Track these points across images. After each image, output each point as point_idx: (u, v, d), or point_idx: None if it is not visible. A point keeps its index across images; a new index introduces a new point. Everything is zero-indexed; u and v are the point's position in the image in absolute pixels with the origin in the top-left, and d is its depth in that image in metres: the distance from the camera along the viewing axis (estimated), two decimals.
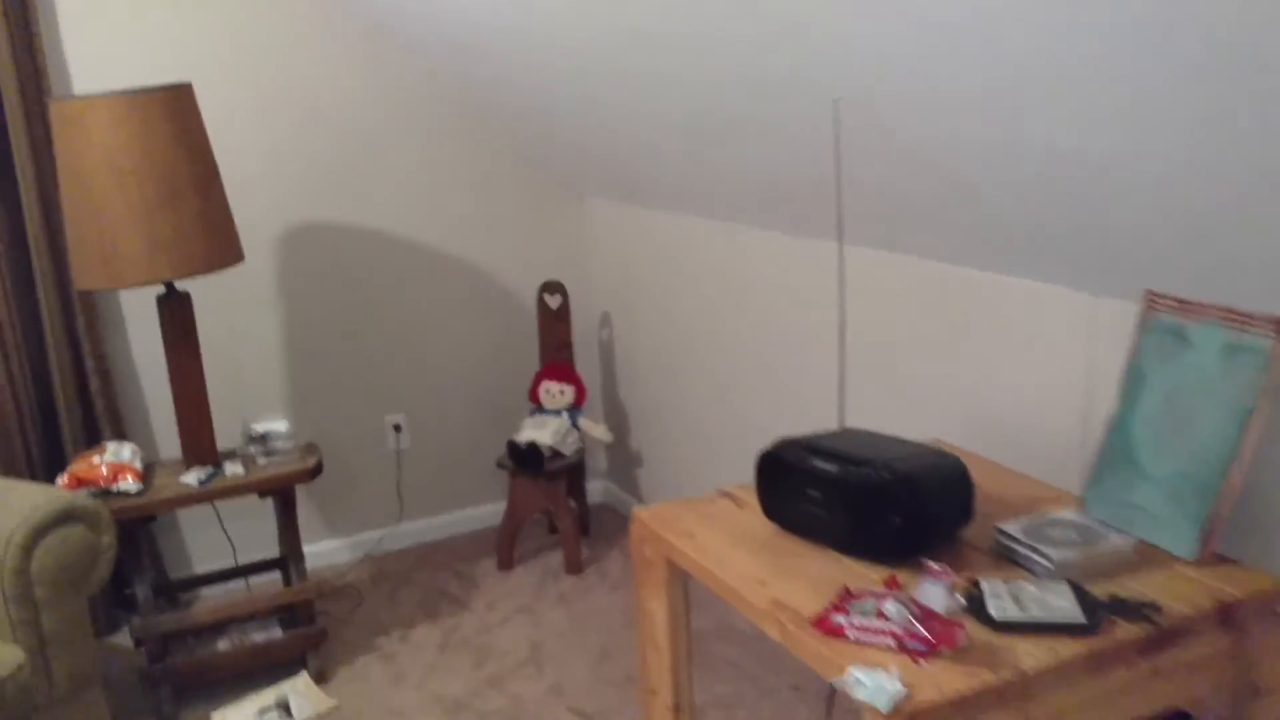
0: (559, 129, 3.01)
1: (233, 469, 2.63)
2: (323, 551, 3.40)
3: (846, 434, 1.75)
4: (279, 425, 2.72)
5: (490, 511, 3.64)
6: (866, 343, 2.31)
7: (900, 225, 2.04)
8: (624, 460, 3.65)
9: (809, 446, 1.67)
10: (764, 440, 2.75)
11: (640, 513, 1.81)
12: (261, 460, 2.68)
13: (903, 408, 2.25)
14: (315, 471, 2.68)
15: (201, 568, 3.23)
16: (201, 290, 2.98)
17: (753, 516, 1.75)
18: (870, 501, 1.55)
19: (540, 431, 3.27)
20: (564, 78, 2.52)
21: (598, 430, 3.38)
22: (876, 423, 2.30)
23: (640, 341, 3.42)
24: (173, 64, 2.94)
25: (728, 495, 1.86)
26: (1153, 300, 1.65)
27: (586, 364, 3.66)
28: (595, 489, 3.77)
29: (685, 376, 3.15)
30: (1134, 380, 1.66)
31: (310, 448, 2.76)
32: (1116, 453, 1.66)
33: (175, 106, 2.40)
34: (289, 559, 2.83)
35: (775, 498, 1.70)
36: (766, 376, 2.73)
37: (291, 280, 3.21)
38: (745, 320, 2.78)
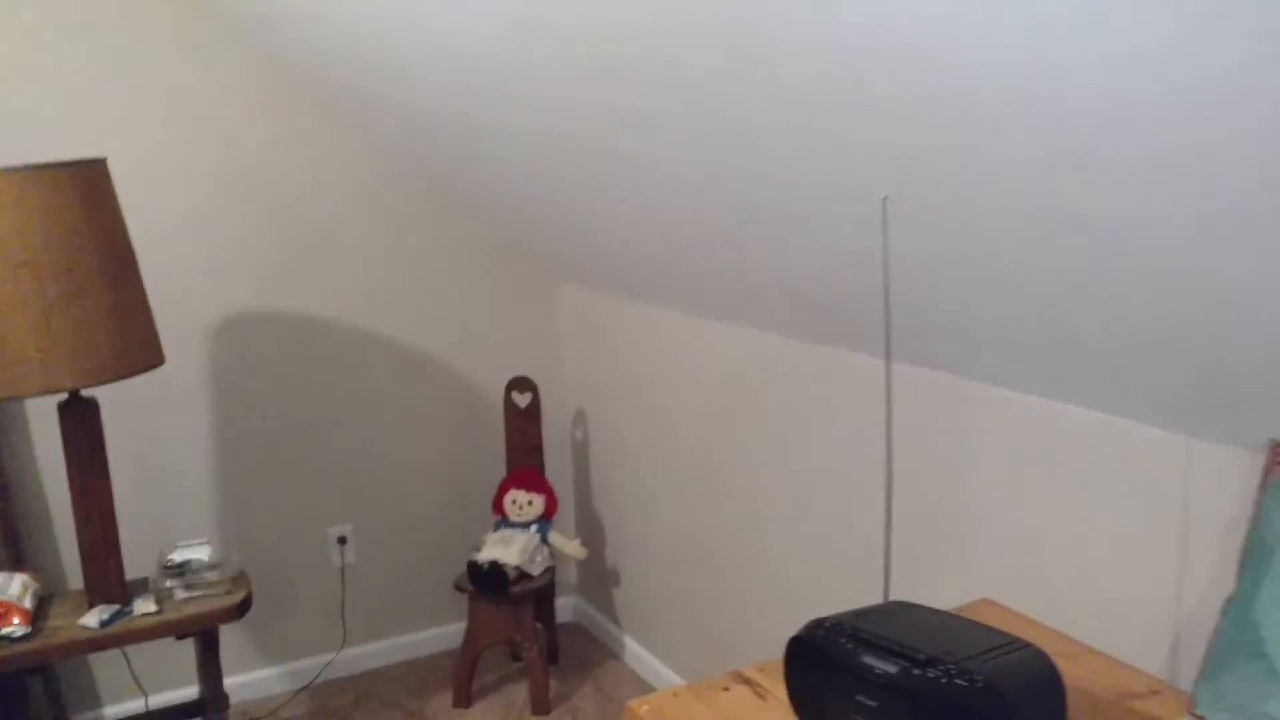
0: (530, 209, 2.68)
1: (144, 606, 2.23)
2: (254, 683, 2.98)
3: (899, 613, 1.40)
4: (200, 553, 2.33)
5: (446, 634, 3.24)
6: (902, 473, 1.98)
7: (951, 342, 1.72)
8: (598, 575, 3.27)
9: (856, 635, 1.32)
10: (768, 568, 2.39)
11: (639, 708, 1.45)
12: (180, 594, 2.28)
13: (943, 553, 1.91)
14: (242, 608, 2.29)
15: (112, 708, 2.80)
16: (115, 393, 2.60)
17: (781, 715, 1.40)
18: (946, 717, 1.21)
19: (505, 549, 2.89)
20: (541, 159, 2.20)
21: (570, 546, 3.01)
22: (910, 568, 1.96)
23: (619, 444, 3.07)
24: (89, 134, 2.58)
25: (746, 681, 1.50)
26: None
27: (558, 465, 3.31)
28: (564, 606, 3.39)
29: (671, 487, 2.80)
30: (1258, 555, 1.33)
31: (239, 579, 2.36)
32: (1239, 646, 1.33)
33: (86, 186, 2.05)
34: (209, 705, 2.42)
35: (813, 700, 1.35)
36: (770, 498, 2.39)
37: (224, 377, 2.84)
38: (748, 434, 2.45)
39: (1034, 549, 1.71)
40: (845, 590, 2.15)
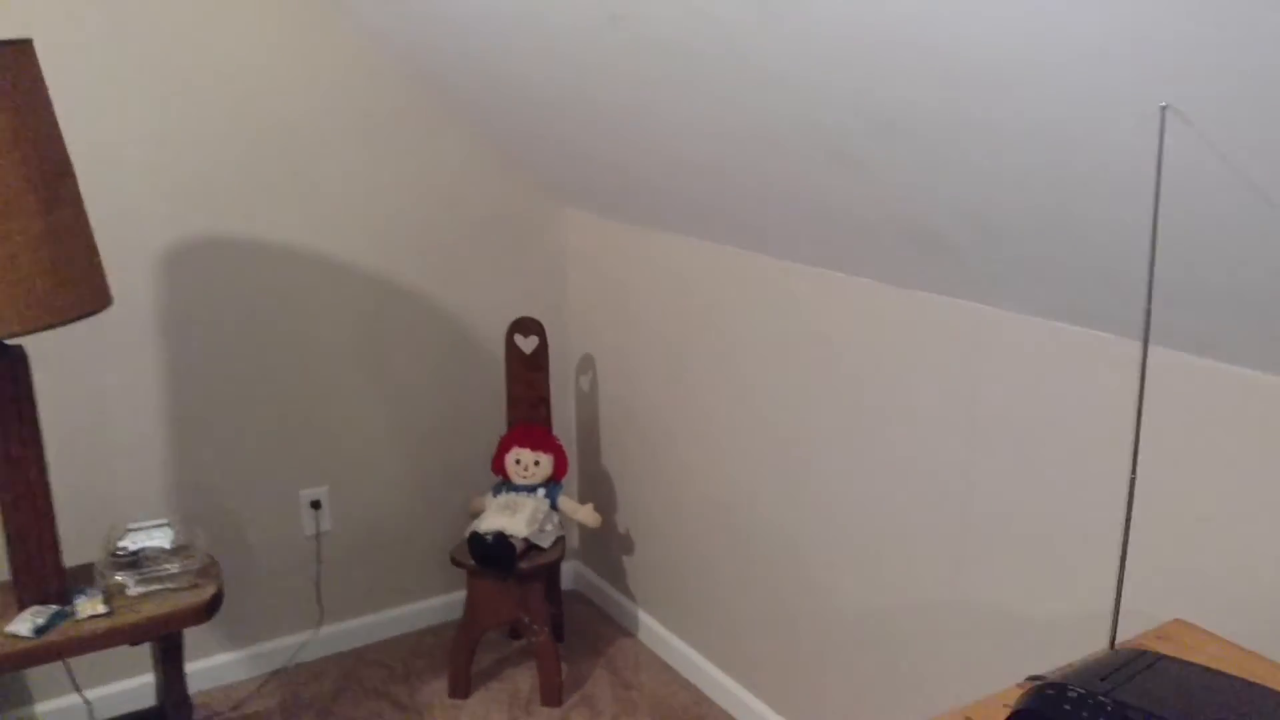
0: (540, 118, 2.24)
1: (89, 606, 1.80)
2: (217, 668, 2.57)
3: (1156, 674, 1.05)
4: (159, 537, 1.90)
5: (437, 608, 2.86)
6: (1069, 457, 1.63)
7: (1186, 310, 1.35)
8: (605, 541, 2.90)
9: (1122, 715, 0.96)
10: (817, 542, 2.01)
11: None
12: (134, 589, 1.86)
13: (1101, 556, 1.57)
14: (212, 607, 1.87)
15: (46, 705, 2.37)
16: (47, 341, 2.13)
17: None
18: None
19: (511, 518, 2.50)
20: (566, 67, 1.76)
21: (583, 512, 2.63)
22: (1063, 575, 1.62)
23: (633, 394, 2.68)
24: (12, 15, 2.07)
25: None
26: None
27: (561, 418, 2.91)
28: (564, 572, 3.02)
29: (697, 445, 2.42)
30: None
31: (207, 569, 1.94)
32: None
33: (7, 74, 1.56)
34: (169, 715, 2.01)
35: None
36: (825, 465, 2.03)
37: (179, 318, 2.37)
38: (802, 389, 2.07)
39: (1236, 555, 1.37)
40: (918, 575, 1.81)
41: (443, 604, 2.86)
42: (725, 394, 2.31)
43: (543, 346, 2.65)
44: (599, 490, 2.90)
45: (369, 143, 2.51)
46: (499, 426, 2.73)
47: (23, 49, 1.61)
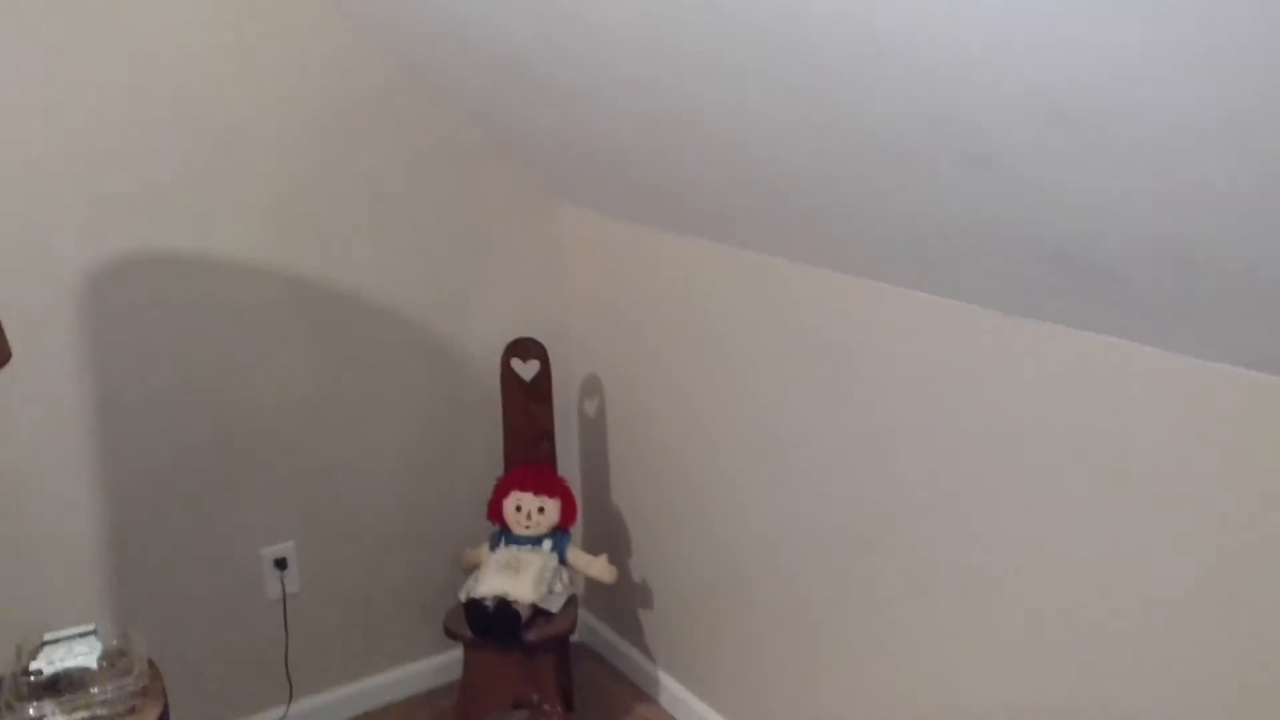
0: (537, 99, 1.84)
1: None
2: None
3: None
4: (84, 651, 1.50)
5: (427, 672, 2.48)
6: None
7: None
8: (618, 592, 2.53)
9: None
10: (870, 599, 1.64)
11: None
12: None
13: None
14: None
15: None
16: None
17: None
18: None
19: (514, 579, 2.12)
20: (573, 40, 1.37)
21: (596, 566, 2.25)
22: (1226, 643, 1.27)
23: (648, 423, 2.30)
24: None
25: None
26: None
27: (564, 450, 2.52)
28: None
29: (726, 483, 2.05)
30: None
31: (148, 687, 1.54)
32: None
33: None
34: None
35: None
36: (880, 508, 1.66)
37: (103, 353, 1.95)
38: (857, 421, 1.70)
39: None
40: (988, 647, 1.46)
41: (434, 667, 2.48)
42: (755, 426, 1.94)
43: (545, 373, 2.26)
44: (608, 533, 2.52)
45: (334, 133, 2.09)
46: (495, 466, 2.34)
47: None
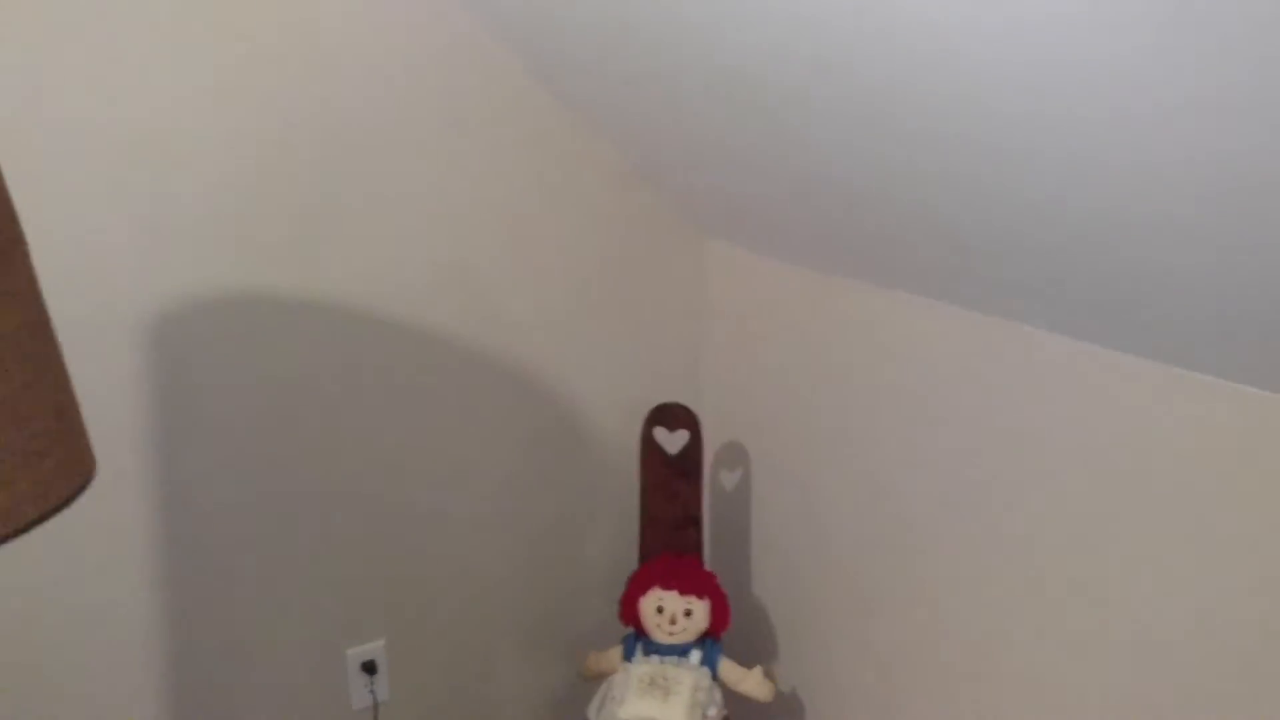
0: (687, 117, 1.46)
1: None
2: None
3: None
4: None
5: None
6: None
7: None
8: (766, 709, 2.13)
9: None
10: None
11: None
12: None
13: None
14: None
15: None
16: None
17: None
18: None
19: (663, 704, 1.74)
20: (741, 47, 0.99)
21: (751, 681, 1.86)
22: None
23: (802, 498, 1.91)
24: None
25: None
26: None
27: None
28: None
29: (901, 570, 1.67)
30: None
31: None
32: None
33: None
34: None
35: None
36: (1138, 617, 1.28)
37: (169, 404, 1.56)
38: (1089, 509, 1.32)
39: None
40: None
41: None
42: (951, 513, 1.56)
43: (695, 445, 1.88)
44: (748, 635, 2.13)
45: (443, 154, 1.71)
46: (628, 557, 1.96)
47: None
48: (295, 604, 1.74)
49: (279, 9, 1.48)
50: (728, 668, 1.86)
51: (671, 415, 1.87)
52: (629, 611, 1.86)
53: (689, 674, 1.79)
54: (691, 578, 1.85)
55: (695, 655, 1.83)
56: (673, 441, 1.89)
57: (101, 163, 1.42)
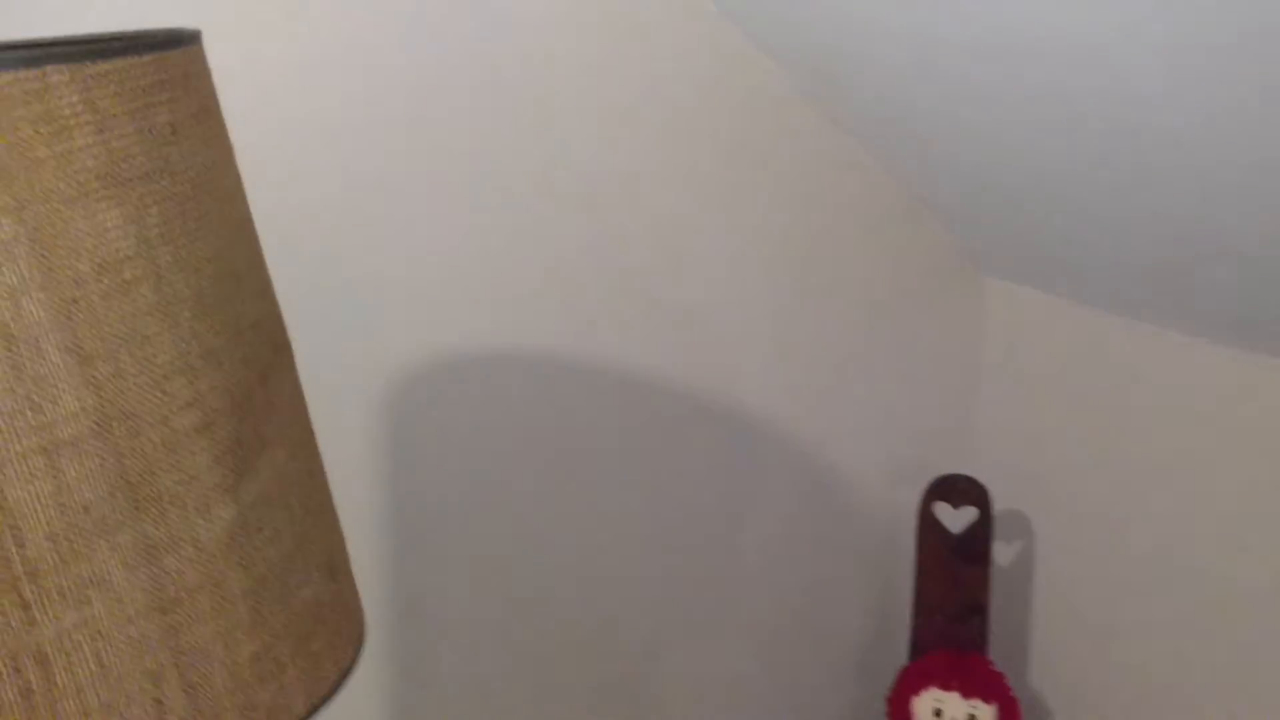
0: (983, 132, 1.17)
1: None
2: None
3: None
4: None
5: None
6: None
7: None
8: None
9: None
10: None
11: None
12: None
13: None
14: None
15: None
16: None
17: None
18: None
19: None
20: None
21: None
22: None
23: (1102, 583, 1.61)
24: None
25: None
26: None
27: None
28: None
29: (1225, 661, 1.35)
30: None
31: None
32: None
33: (155, 107, 0.56)
34: None
35: None
36: None
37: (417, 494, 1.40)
38: None
39: None
40: None
41: None
42: None
43: (983, 525, 1.61)
44: None
45: (700, 178, 1.48)
46: (896, 650, 1.70)
47: (187, 53, 0.61)
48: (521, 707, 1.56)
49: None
50: None
51: (956, 489, 1.61)
52: (899, 714, 1.61)
53: None
54: (977, 678, 1.59)
55: None
56: (957, 520, 1.62)
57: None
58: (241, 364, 0.61)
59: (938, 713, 1.57)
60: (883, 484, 1.73)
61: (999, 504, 1.82)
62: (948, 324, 1.75)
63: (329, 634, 0.69)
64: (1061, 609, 1.73)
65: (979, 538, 1.61)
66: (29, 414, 0.51)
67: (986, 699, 1.57)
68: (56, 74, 0.51)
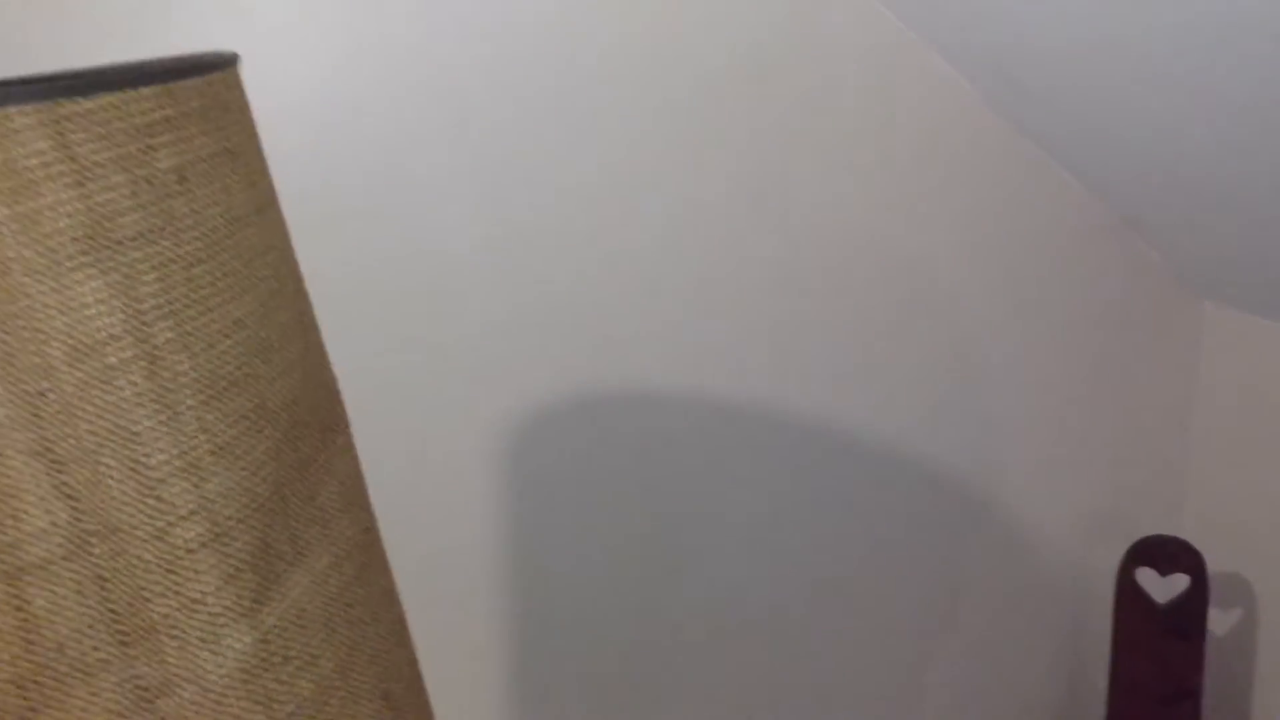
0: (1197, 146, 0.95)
1: None
2: None
3: None
4: None
5: None
6: None
7: None
8: None
9: None
10: None
11: None
12: None
13: None
14: None
15: None
16: None
17: None
18: None
19: None
20: None
21: None
22: None
23: None
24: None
25: None
26: None
27: None
28: None
29: None
30: None
31: None
32: None
33: (188, 143, 0.47)
34: None
35: None
36: None
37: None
38: None
39: None
40: None
41: None
42: None
43: (1197, 595, 1.38)
44: None
45: (891, 197, 1.32)
46: None
47: (222, 79, 0.51)
48: None
49: None
50: None
51: (1164, 553, 1.38)
52: None
53: None
54: None
55: None
56: (1165, 589, 1.40)
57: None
58: (270, 457, 0.51)
59: None
60: (1076, 543, 1.52)
61: (1213, 568, 1.57)
62: (1157, 356, 1.53)
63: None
64: None
65: (1191, 610, 1.38)
66: None
67: None
68: (21, 116, 0.42)
